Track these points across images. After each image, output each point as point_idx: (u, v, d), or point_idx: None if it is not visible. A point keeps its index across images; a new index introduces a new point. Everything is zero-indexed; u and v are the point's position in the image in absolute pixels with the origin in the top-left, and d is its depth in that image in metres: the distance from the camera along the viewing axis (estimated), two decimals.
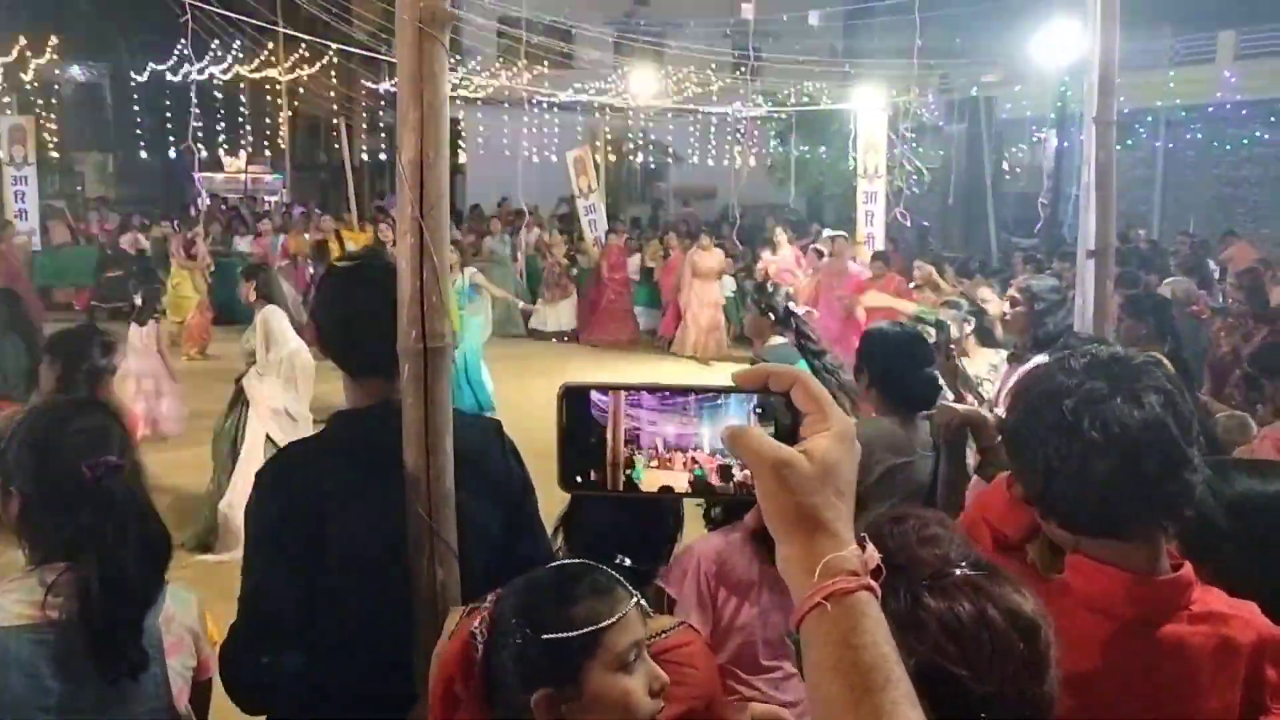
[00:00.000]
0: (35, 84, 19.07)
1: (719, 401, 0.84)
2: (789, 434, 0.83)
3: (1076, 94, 13.98)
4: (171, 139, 17.48)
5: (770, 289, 4.88)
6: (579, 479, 0.86)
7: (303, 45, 17.74)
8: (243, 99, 21.56)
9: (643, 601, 1.47)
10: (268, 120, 21.39)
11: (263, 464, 2.11)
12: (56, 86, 20.87)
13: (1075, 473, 1.39)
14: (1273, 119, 17.21)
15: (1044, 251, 12.25)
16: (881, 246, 12.05)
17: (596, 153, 15.10)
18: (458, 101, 18.77)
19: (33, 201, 15.46)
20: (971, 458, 2.68)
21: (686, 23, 20.06)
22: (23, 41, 18.03)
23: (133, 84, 20.47)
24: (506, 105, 18.62)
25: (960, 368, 4.05)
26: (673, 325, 13.55)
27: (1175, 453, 1.38)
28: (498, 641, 1.40)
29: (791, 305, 4.63)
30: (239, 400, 6.01)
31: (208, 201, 16.61)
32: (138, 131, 21.24)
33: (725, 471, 0.84)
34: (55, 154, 19.76)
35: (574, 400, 0.85)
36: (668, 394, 0.85)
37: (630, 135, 22.10)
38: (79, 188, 24.58)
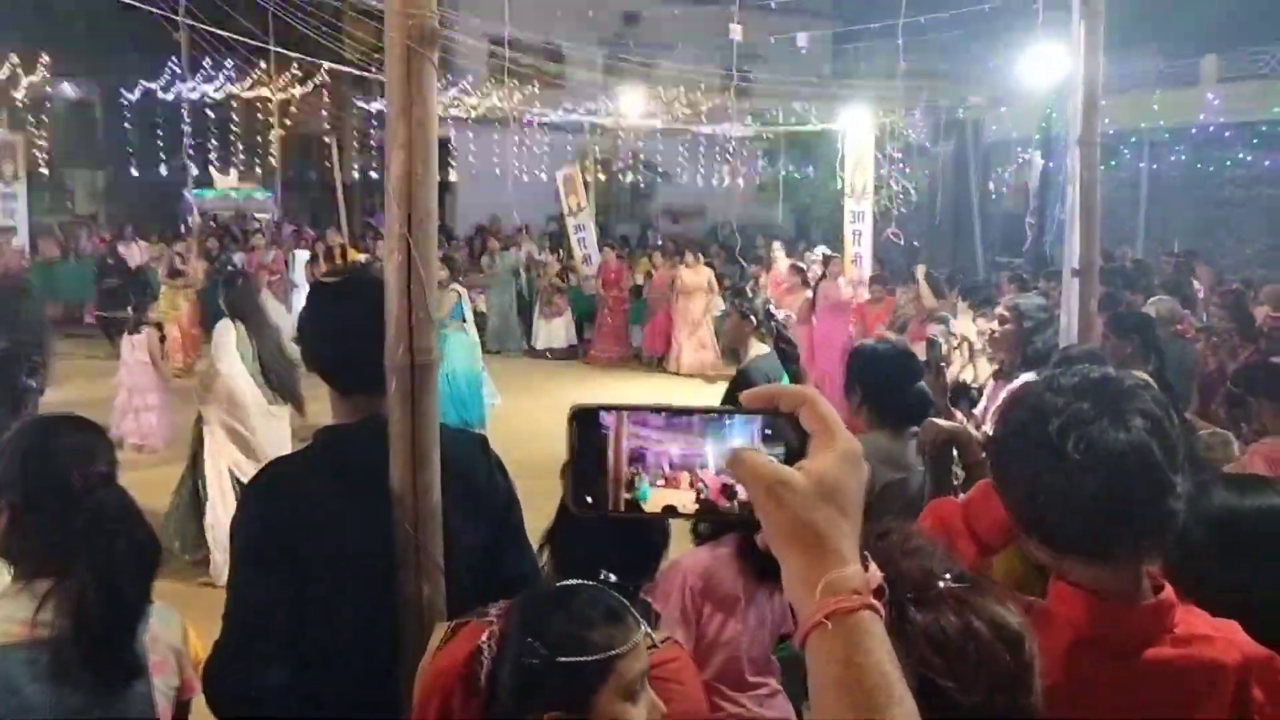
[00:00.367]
0: (27, 100, 19.04)
1: (725, 421, 0.84)
2: (798, 455, 0.82)
3: (1062, 116, 14.09)
4: (163, 156, 17.46)
5: (750, 294, 4.90)
6: (589, 499, 0.85)
7: (294, 64, 17.79)
8: (234, 117, 21.57)
9: (649, 630, 1.47)
10: (259, 138, 21.40)
11: (250, 479, 2.11)
12: (48, 103, 20.82)
13: (1058, 492, 1.37)
14: (1255, 141, 17.37)
15: (1029, 271, 12.33)
16: (869, 266, 12.12)
17: (586, 172, 15.15)
18: (448, 121, 18.84)
19: (22, 218, 15.43)
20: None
21: (676, 44, 20.18)
22: (14, 59, 18.02)
23: (124, 102, 20.47)
24: (497, 125, 18.70)
25: (951, 382, 4.06)
26: (658, 342, 13.58)
27: (1158, 478, 1.35)
28: (506, 660, 1.39)
29: (770, 308, 4.64)
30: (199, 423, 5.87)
31: (198, 219, 16.62)
32: (129, 149, 21.21)
33: (729, 490, 0.84)
34: (45, 171, 19.73)
35: (583, 421, 0.85)
36: (675, 414, 0.85)
37: (620, 154, 22.20)
38: (69, 204, 24.52)
